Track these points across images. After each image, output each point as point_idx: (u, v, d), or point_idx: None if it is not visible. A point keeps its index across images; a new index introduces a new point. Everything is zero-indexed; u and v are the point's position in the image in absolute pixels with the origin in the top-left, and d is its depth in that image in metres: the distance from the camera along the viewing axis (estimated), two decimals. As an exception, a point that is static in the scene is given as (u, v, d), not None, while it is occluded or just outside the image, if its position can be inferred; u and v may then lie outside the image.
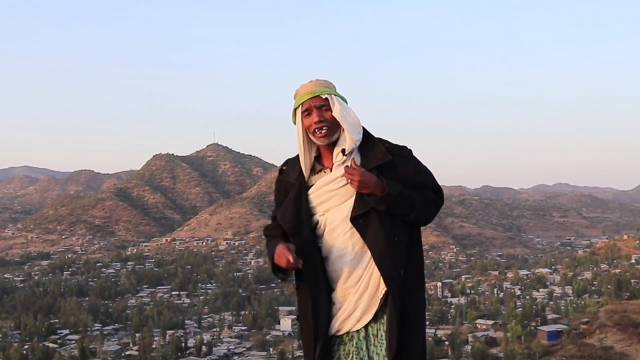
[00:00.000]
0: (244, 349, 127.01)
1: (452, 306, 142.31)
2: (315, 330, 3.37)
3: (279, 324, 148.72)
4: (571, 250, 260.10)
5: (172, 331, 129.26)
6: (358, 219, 3.23)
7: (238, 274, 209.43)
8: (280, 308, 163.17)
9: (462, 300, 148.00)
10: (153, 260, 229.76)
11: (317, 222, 3.38)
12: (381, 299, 3.27)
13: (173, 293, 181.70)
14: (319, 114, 3.30)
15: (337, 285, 3.38)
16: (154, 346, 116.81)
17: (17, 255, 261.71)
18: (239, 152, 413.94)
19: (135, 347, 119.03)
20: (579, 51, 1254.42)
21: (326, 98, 3.31)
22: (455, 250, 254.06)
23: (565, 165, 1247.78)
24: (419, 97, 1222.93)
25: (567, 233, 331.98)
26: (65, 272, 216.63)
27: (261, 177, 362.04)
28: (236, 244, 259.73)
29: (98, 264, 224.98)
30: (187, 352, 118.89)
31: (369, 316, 3.32)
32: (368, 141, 3.35)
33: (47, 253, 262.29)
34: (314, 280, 3.39)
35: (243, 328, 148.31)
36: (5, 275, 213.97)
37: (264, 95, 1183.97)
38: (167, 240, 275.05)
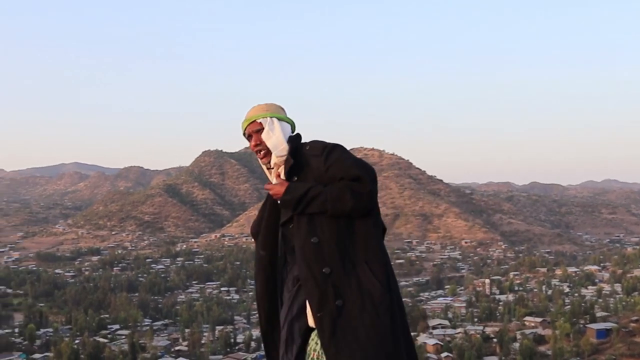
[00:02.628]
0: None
1: (500, 303, 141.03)
2: (261, 322, 3.86)
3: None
4: (620, 247, 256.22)
5: (221, 327, 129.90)
6: (286, 225, 3.57)
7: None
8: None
9: (510, 297, 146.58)
10: (202, 256, 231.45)
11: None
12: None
13: (222, 289, 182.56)
14: (256, 138, 3.69)
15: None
16: (203, 342, 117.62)
17: (67, 250, 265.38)
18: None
19: (185, 343, 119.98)
20: (625, 45, 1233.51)
21: (261, 122, 3.68)
22: (503, 247, 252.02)
23: (614, 162, 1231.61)
24: (468, 94, 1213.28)
25: (616, 230, 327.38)
26: (115, 268, 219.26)
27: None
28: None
29: (148, 260, 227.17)
30: (236, 347, 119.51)
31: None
32: (293, 153, 3.61)
33: (97, 249, 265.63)
34: (259, 278, 3.81)
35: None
36: (57, 271, 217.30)
37: (308, 90, 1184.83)
38: (216, 236, 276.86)
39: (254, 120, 3.70)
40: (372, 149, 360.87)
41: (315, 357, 3.49)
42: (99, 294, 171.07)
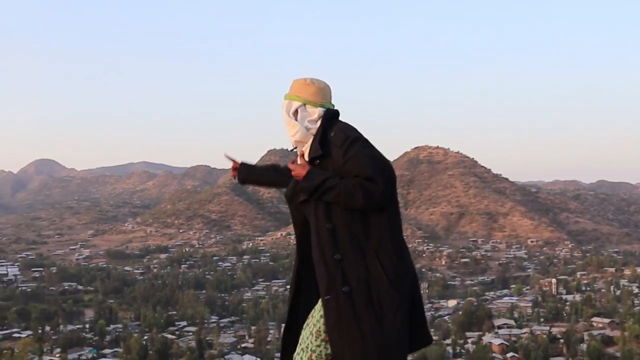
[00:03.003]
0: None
1: (567, 303, 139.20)
2: (292, 295, 4.05)
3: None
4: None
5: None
6: (303, 204, 3.69)
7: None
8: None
9: (577, 297, 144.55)
10: (268, 254, 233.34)
11: None
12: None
13: (288, 287, 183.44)
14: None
15: None
16: (269, 339, 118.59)
17: (136, 248, 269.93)
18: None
19: (251, 340, 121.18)
20: None
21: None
22: (570, 246, 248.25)
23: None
24: (533, 91, 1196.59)
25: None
26: (182, 266, 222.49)
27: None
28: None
29: (214, 258, 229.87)
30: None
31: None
32: (315, 135, 3.72)
33: (165, 246, 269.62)
34: (300, 251, 4.01)
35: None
36: (126, 268, 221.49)
37: (375, 89, 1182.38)
38: (282, 234, 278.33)
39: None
40: (437, 148, 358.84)
41: (311, 324, 3.70)
42: (167, 291, 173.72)
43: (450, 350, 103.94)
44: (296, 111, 3.83)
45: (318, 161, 3.61)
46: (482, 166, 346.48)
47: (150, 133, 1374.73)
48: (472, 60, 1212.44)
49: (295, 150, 3.92)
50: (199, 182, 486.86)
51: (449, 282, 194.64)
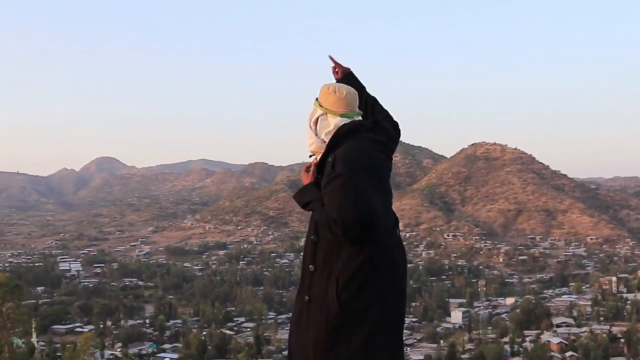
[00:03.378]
0: (415, 340, 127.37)
1: (628, 302, 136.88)
2: None
3: (449, 316, 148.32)
4: None
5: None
6: (305, 207, 3.84)
7: (409, 265, 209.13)
8: (451, 300, 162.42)
9: (639, 296, 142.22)
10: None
11: None
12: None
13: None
14: None
15: None
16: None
17: (195, 245, 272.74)
18: (409, 144, 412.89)
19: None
20: None
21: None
22: (630, 244, 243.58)
23: None
24: (593, 86, 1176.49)
25: None
26: (241, 262, 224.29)
27: (431, 168, 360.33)
28: (407, 235, 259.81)
29: (272, 254, 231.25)
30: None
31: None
32: (329, 146, 3.83)
33: (223, 243, 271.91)
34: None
35: (414, 320, 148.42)
36: (185, 264, 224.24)
37: (433, 87, 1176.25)
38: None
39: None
40: (494, 144, 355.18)
41: None
42: (225, 287, 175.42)
43: (508, 349, 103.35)
44: (317, 120, 3.91)
45: (320, 176, 3.80)
46: (540, 162, 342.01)
47: (209, 131, 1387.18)
48: (530, 55, 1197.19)
49: (312, 157, 3.99)
50: (257, 179, 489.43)
51: (506, 280, 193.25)
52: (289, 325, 4.01)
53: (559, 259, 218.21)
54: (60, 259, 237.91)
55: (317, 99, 3.97)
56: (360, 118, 3.97)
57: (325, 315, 3.63)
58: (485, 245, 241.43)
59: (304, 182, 3.86)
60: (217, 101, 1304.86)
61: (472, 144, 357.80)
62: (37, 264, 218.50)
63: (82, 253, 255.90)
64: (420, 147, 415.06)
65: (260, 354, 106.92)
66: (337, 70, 4.56)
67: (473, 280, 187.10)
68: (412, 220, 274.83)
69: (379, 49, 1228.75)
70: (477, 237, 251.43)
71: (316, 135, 3.91)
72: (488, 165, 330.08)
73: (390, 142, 4.07)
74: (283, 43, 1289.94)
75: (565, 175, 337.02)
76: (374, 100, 4.37)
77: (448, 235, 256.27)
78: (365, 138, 3.82)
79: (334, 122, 3.86)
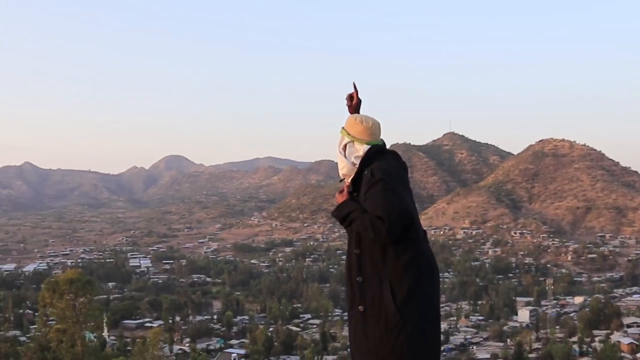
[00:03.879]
0: (481, 339, 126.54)
1: None
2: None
3: (516, 314, 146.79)
4: None
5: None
6: (344, 220, 4.14)
7: (475, 263, 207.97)
8: (518, 299, 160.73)
9: None
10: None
11: None
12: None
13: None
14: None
15: None
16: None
17: (262, 242, 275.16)
18: (475, 141, 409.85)
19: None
20: None
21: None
22: None
23: None
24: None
25: None
26: (307, 259, 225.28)
27: (498, 165, 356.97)
28: (473, 232, 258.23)
29: (338, 252, 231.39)
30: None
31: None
32: (359, 168, 4.25)
33: (290, 240, 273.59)
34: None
35: (480, 318, 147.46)
36: (252, 261, 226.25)
37: (500, 83, 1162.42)
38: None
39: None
40: (563, 140, 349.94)
41: None
42: (291, 284, 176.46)
43: (577, 349, 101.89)
44: (345, 146, 4.37)
45: (355, 194, 4.18)
46: (610, 159, 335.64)
47: (276, 129, 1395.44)
48: (599, 49, 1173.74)
49: (342, 181, 4.43)
50: (323, 176, 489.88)
51: (575, 279, 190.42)
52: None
53: (630, 258, 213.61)
54: (131, 255, 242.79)
55: (343, 128, 4.42)
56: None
57: (384, 319, 3.92)
58: (553, 243, 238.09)
59: (338, 202, 4.19)
60: (284, 99, 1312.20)
61: (540, 141, 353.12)
62: (108, 260, 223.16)
63: (152, 249, 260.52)
64: (486, 144, 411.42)
65: (326, 350, 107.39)
66: (353, 97, 4.79)
67: (541, 279, 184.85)
68: (478, 217, 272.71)
69: (444, 46, 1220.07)
70: (545, 235, 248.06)
71: (345, 158, 4.34)
72: (556, 162, 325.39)
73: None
74: (351, 42, 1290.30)
75: (636, 172, 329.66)
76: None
77: (515, 233, 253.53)
78: (390, 158, 4.32)
79: (361, 149, 4.30)
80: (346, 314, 4.30)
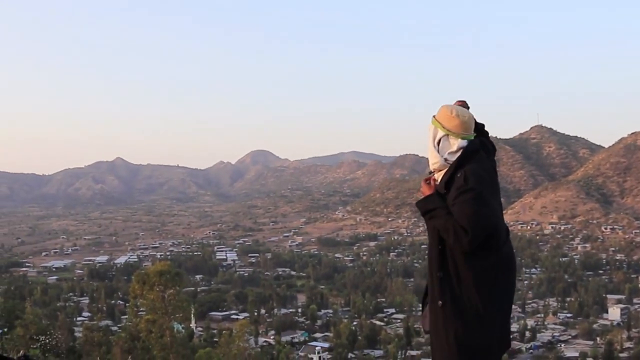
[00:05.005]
0: (569, 336, 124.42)
1: None
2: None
3: (606, 312, 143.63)
4: None
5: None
6: (426, 214, 4.20)
7: (564, 259, 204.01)
8: (609, 296, 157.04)
9: None
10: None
11: None
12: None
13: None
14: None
15: None
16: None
17: (346, 236, 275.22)
18: (564, 134, 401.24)
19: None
20: None
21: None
22: None
23: None
24: None
25: None
26: (391, 253, 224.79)
27: (588, 159, 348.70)
28: (562, 228, 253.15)
29: (422, 246, 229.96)
30: (511, 336, 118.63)
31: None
32: (448, 170, 4.26)
33: (374, 234, 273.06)
34: None
35: (568, 315, 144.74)
36: (336, 255, 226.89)
37: (590, 74, 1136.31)
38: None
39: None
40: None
41: None
42: (375, 278, 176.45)
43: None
44: (439, 140, 4.32)
45: (445, 191, 4.18)
46: None
47: (360, 123, 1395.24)
48: None
49: (432, 173, 4.43)
50: (407, 170, 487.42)
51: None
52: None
53: None
54: (217, 248, 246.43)
55: (435, 119, 4.37)
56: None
57: (463, 316, 4.05)
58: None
59: (425, 192, 4.25)
60: (368, 94, 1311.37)
61: (632, 133, 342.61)
62: (195, 253, 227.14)
63: (238, 243, 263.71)
64: (576, 137, 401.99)
65: (409, 345, 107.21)
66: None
67: (633, 276, 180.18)
68: (567, 212, 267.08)
69: (532, 39, 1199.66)
70: (638, 231, 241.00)
71: (438, 153, 4.31)
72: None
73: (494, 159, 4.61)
74: (435, 37, 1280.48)
75: None
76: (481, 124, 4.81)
77: (606, 228, 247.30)
78: (485, 157, 4.35)
79: (456, 144, 4.26)
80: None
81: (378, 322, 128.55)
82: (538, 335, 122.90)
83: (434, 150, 4.31)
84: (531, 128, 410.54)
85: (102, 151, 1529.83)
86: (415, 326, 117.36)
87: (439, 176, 4.31)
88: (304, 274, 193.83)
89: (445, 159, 4.27)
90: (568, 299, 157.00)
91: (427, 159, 4.42)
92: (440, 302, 4.10)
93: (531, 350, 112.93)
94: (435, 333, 4.15)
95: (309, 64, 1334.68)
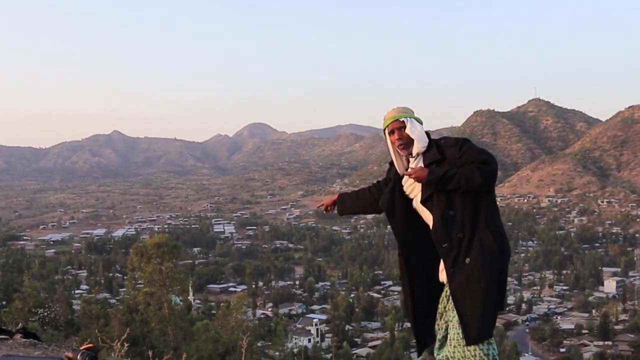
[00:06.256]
0: (565, 309, 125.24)
1: None
2: (404, 284, 4.71)
3: (602, 285, 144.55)
4: None
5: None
6: (426, 202, 4.49)
7: (560, 232, 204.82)
8: (605, 269, 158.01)
9: None
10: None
11: (413, 205, 4.69)
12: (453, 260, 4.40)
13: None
14: (398, 133, 4.67)
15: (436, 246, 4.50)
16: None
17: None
18: (561, 107, 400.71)
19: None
20: None
21: (403, 121, 4.66)
22: None
23: None
24: None
25: None
26: (388, 226, 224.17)
27: (585, 132, 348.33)
28: (558, 201, 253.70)
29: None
30: (507, 309, 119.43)
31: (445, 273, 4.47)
32: (430, 146, 4.58)
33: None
34: (407, 247, 4.69)
35: (564, 288, 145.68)
36: (334, 228, 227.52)
37: (588, 48, 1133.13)
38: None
39: (397, 119, 4.71)
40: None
41: (445, 301, 4.55)
42: (373, 250, 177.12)
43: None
44: (420, 128, 4.72)
45: (434, 165, 4.48)
46: None
47: (358, 96, 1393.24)
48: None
49: (407, 154, 4.73)
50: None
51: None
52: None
53: None
54: (215, 221, 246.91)
55: (404, 114, 4.74)
56: None
57: (491, 264, 4.31)
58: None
59: (420, 174, 4.41)
60: (365, 67, 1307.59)
61: (630, 107, 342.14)
62: (193, 226, 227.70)
63: (235, 216, 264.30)
64: (573, 110, 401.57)
65: (407, 317, 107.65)
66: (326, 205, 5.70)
67: (628, 249, 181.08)
68: (564, 185, 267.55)
69: (529, 12, 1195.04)
70: (634, 204, 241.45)
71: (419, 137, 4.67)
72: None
73: None
74: (424, 11, 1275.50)
75: None
76: None
77: (602, 202, 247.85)
78: None
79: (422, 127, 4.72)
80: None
81: (375, 295, 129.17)
82: (534, 307, 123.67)
83: (423, 135, 4.65)
84: (528, 101, 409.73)
85: (99, 124, 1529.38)
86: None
87: (418, 160, 4.64)
88: (301, 247, 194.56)
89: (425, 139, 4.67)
90: (564, 271, 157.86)
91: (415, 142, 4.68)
92: (468, 259, 4.31)
93: (527, 322, 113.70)
94: (463, 288, 4.30)
95: (306, 36, 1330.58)
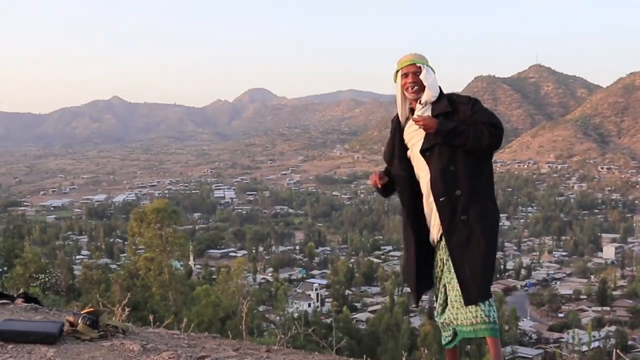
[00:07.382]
0: (564, 274, 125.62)
1: None
2: (408, 236, 4.71)
3: (601, 251, 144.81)
4: None
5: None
6: (425, 152, 4.47)
7: (560, 198, 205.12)
8: (604, 235, 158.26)
9: None
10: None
11: (408, 154, 4.67)
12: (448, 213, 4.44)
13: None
14: (413, 77, 4.55)
15: (425, 201, 4.57)
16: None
17: (344, 174, 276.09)
18: (562, 73, 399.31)
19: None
20: None
21: (419, 66, 4.57)
22: None
23: None
24: None
25: None
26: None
27: (586, 98, 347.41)
28: (558, 167, 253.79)
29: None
30: (506, 274, 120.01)
31: (440, 227, 4.49)
32: (440, 97, 4.53)
33: (371, 172, 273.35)
34: (405, 195, 4.68)
35: (563, 254, 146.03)
36: (334, 193, 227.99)
37: (589, 14, 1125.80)
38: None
39: (414, 63, 4.60)
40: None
41: (441, 264, 4.58)
42: (373, 216, 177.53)
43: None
44: (433, 75, 4.67)
45: (442, 117, 4.44)
46: None
47: (358, 62, 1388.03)
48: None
49: (415, 98, 4.62)
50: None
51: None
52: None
53: None
54: (215, 186, 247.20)
55: (422, 60, 4.66)
56: None
57: (488, 223, 4.40)
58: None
59: (428, 123, 4.38)
60: (366, 32, 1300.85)
61: (631, 73, 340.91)
62: (193, 192, 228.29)
63: (236, 181, 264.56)
64: (574, 76, 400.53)
65: (406, 282, 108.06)
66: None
67: (628, 215, 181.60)
68: (564, 151, 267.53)
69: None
70: (634, 171, 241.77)
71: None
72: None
73: None
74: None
75: None
76: None
77: (602, 168, 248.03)
78: None
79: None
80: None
81: (375, 260, 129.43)
82: (533, 273, 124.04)
83: (436, 83, 4.60)
84: (529, 67, 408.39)
85: (99, 90, 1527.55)
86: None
87: (427, 109, 4.57)
88: (301, 212, 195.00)
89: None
90: (563, 237, 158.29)
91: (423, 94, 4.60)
92: (465, 216, 4.36)
93: (526, 288, 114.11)
94: (461, 247, 4.35)
95: (307, 2, 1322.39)
